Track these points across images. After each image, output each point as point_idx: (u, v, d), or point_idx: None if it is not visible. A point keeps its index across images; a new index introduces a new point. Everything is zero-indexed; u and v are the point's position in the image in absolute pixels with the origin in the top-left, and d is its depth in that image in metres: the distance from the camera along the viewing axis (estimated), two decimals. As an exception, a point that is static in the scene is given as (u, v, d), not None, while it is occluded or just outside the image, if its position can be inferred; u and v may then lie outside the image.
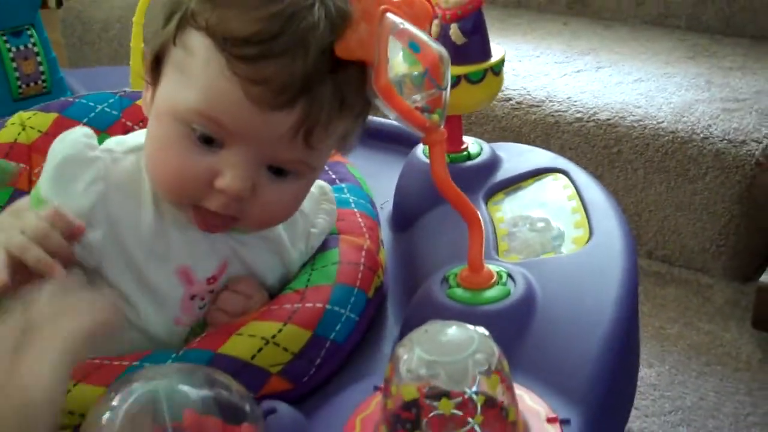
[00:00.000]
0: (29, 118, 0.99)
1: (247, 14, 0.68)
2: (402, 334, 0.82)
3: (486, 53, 0.93)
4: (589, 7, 2.22)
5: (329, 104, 0.70)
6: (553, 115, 1.74)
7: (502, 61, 0.94)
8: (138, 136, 0.80)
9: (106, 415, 0.60)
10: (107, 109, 1.02)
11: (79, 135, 0.77)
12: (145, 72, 0.77)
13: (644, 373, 1.40)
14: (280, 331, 0.74)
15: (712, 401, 1.35)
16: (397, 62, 0.71)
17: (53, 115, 1.00)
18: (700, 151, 1.58)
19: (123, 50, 2.44)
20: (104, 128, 1.01)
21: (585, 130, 1.69)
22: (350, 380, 0.77)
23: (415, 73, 0.70)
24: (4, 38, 1.09)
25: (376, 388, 0.71)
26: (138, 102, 1.04)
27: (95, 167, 0.75)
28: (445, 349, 0.63)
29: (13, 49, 1.09)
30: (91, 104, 1.02)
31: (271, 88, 0.68)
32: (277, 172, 0.73)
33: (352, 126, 0.76)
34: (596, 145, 1.68)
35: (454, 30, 0.90)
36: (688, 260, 1.64)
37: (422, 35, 0.71)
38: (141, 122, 1.02)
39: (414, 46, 0.69)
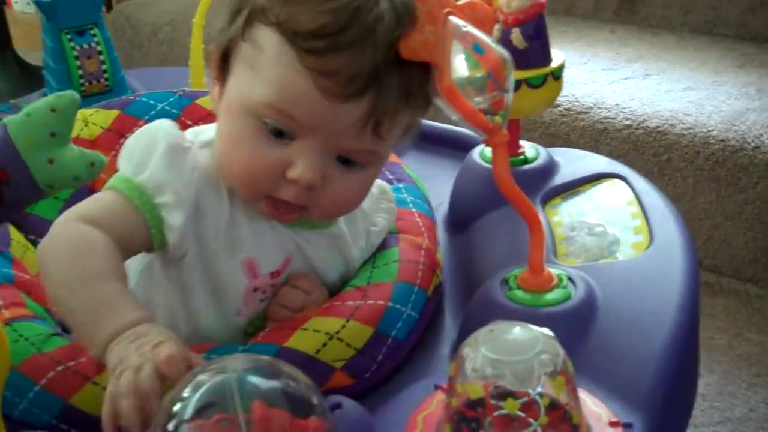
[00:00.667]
0: (91, 114, 1.02)
1: (314, 8, 0.69)
2: (461, 335, 0.83)
3: (546, 58, 0.93)
4: (636, 15, 2.21)
5: (396, 95, 0.71)
6: (601, 122, 1.73)
7: (562, 66, 0.95)
8: (210, 131, 0.81)
9: (178, 406, 0.61)
10: (167, 108, 1.04)
11: (168, 125, 0.78)
12: (213, 69, 0.78)
13: (692, 382, 1.39)
14: (343, 327, 0.75)
15: (762, 412, 1.33)
16: (460, 64, 0.72)
17: (115, 113, 1.02)
18: (751, 161, 1.57)
19: (172, 53, 2.47)
20: None
21: (634, 138, 1.69)
22: (410, 379, 0.77)
23: (478, 75, 0.71)
24: (69, 37, 1.11)
25: (437, 387, 0.72)
26: (197, 101, 1.06)
27: (192, 156, 0.76)
28: (511, 349, 0.63)
29: (77, 47, 1.11)
30: (152, 102, 1.04)
31: (341, 79, 0.69)
32: (346, 162, 0.75)
33: (416, 118, 0.78)
34: (645, 153, 1.68)
35: (515, 34, 0.91)
36: (738, 270, 1.63)
37: (485, 38, 0.71)
38: (200, 121, 1.04)
39: (478, 49, 0.70)
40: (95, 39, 1.12)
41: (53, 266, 0.70)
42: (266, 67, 0.71)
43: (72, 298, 0.69)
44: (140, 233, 0.74)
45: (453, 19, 0.71)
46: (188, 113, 1.05)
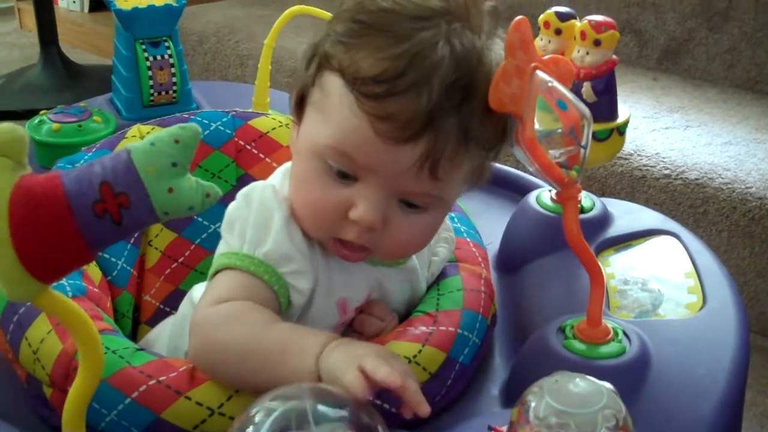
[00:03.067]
0: (148, 132, 1.03)
1: (375, 54, 0.72)
2: (512, 378, 0.85)
3: (614, 113, 0.96)
4: (679, 65, 2.24)
5: (454, 137, 0.73)
6: (640, 169, 1.76)
7: (627, 122, 0.97)
8: (287, 172, 0.84)
9: (250, 429, 0.63)
10: (221, 128, 1.06)
11: (271, 192, 0.81)
12: (292, 112, 0.81)
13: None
14: (420, 351, 0.78)
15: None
16: (540, 118, 0.74)
17: None
18: (787, 221, 1.59)
19: (215, 63, 2.50)
20: (218, 146, 1.06)
21: (672, 188, 1.71)
22: (460, 417, 0.79)
23: (558, 129, 0.73)
24: (143, 47, 1.13)
25: (491, 429, 0.74)
26: (249, 122, 1.08)
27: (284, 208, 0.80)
28: (576, 401, 0.65)
29: (150, 58, 1.14)
30: (206, 122, 1.06)
31: (397, 123, 0.71)
32: (409, 204, 0.77)
33: (483, 160, 0.79)
34: (682, 204, 1.70)
35: (586, 88, 0.93)
36: (765, 328, 1.65)
37: (569, 94, 0.74)
38: (252, 141, 1.06)
39: (561, 105, 0.73)
40: (168, 51, 1.15)
41: (226, 341, 0.74)
42: (331, 112, 0.74)
43: (261, 347, 0.72)
44: (272, 305, 0.78)
45: (539, 73, 0.74)
46: (240, 134, 1.07)
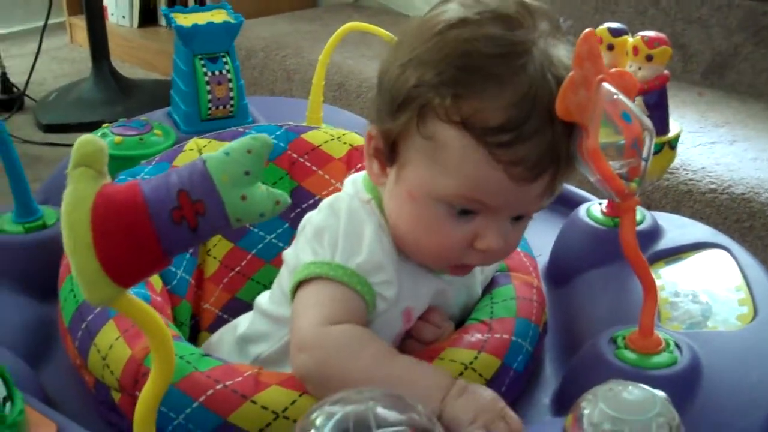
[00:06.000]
0: (205, 146, 1.06)
1: (496, 104, 0.73)
2: (563, 386, 0.86)
3: (665, 127, 0.97)
4: (724, 80, 2.23)
5: (566, 160, 0.77)
6: (686, 184, 1.76)
7: (678, 137, 0.99)
8: (357, 185, 0.87)
9: None
10: (275, 141, 1.08)
11: (358, 202, 0.85)
12: (371, 147, 0.83)
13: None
14: (476, 358, 0.81)
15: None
16: (604, 129, 0.76)
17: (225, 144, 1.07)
18: (835, 236, 1.59)
19: (263, 78, 2.54)
20: (272, 159, 1.08)
21: (718, 202, 1.71)
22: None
23: (621, 142, 0.75)
24: (202, 62, 1.17)
25: (544, 436, 0.76)
26: (302, 135, 1.10)
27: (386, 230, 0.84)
28: (630, 408, 0.67)
29: (209, 73, 1.17)
30: None
31: (528, 165, 0.75)
32: (517, 218, 0.81)
33: None
34: (728, 218, 1.70)
35: (638, 103, 0.94)
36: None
37: (633, 107, 0.75)
38: (305, 154, 1.09)
39: (626, 117, 0.74)
40: (226, 67, 1.18)
41: (347, 366, 0.76)
42: (453, 162, 0.76)
43: (381, 381, 0.75)
44: (364, 313, 0.81)
45: (605, 85, 0.75)
46: (294, 147, 1.09)
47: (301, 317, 0.80)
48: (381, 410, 0.65)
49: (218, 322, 1.03)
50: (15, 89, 2.67)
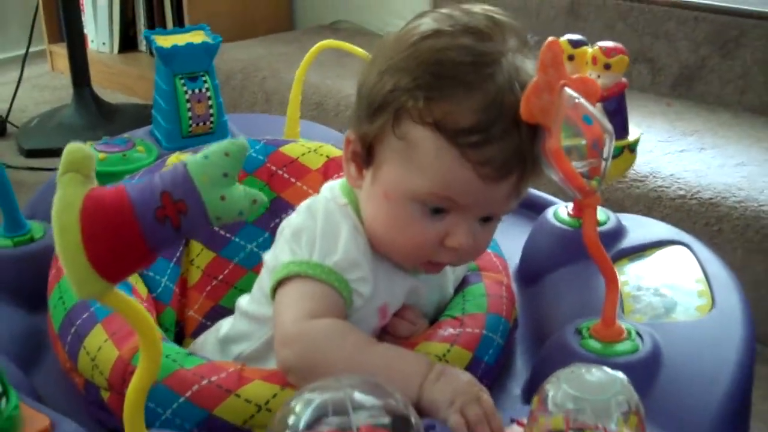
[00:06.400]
0: None
1: (466, 107, 0.79)
2: (533, 377, 0.91)
3: (625, 131, 1.02)
4: (692, 91, 2.30)
5: (533, 164, 0.82)
6: (655, 191, 1.81)
7: (637, 141, 1.04)
8: (334, 191, 0.92)
9: (291, 419, 0.69)
10: (254, 154, 1.13)
11: (335, 204, 0.89)
12: (348, 151, 0.88)
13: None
14: (448, 351, 0.85)
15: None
16: (566, 131, 0.81)
17: None
18: (799, 237, 1.64)
19: (242, 99, 2.59)
20: (251, 171, 1.13)
21: (687, 207, 1.76)
22: (485, 414, 0.85)
23: (582, 142, 0.80)
24: (182, 82, 1.21)
25: (513, 420, 0.80)
26: (280, 149, 1.15)
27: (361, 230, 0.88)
28: (591, 388, 0.71)
29: (189, 92, 1.22)
30: None
31: (496, 165, 0.80)
32: (485, 219, 0.86)
33: None
34: (697, 222, 1.75)
35: (598, 109, 0.99)
36: (781, 342, 1.69)
37: (594, 111, 0.80)
38: (284, 167, 1.13)
39: (587, 119, 0.79)
40: (206, 85, 1.22)
41: (330, 358, 0.80)
42: (426, 162, 0.81)
43: (362, 370, 0.78)
44: (342, 308, 0.86)
45: (567, 90, 0.80)
46: (272, 160, 1.14)
47: (283, 314, 0.84)
48: (358, 395, 0.69)
49: (202, 329, 1.06)
50: (-3, 115, 2.71)
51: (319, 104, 2.40)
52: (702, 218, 1.75)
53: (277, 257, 0.89)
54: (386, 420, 0.68)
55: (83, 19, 2.94)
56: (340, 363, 0.80)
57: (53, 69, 3.35)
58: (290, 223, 0.90)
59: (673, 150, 1.96)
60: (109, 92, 3.06)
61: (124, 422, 0.67)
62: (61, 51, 3.22)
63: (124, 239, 0.60)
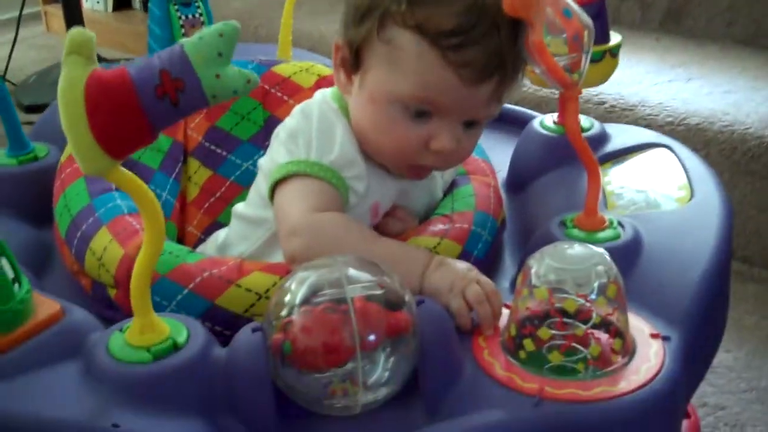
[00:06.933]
0: None
1: (447, 10, 0.82)
2: (520, 269, 0.94)
3: (605, 37, 1.06)
4: (681, 25, 2.32)
5: (513, 67, 0.85)
6: (644, 119, 1.85)
7: (619, 45, 1.07)
8: (325, 96, 0.96)
9: (288, 296, 0.72)
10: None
11: (329, 104, 0.93)
12: (338, 58, 0.91)
13: (722, 357, 1.49)
14: (438, 244, 0.89)
15: (786, 385, 1.44)
16: (548, 25, 0.84)
17: None
18: (785, 156, 1.68)
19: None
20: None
21: (675, 133, 1.79)
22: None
23: (563, 35, 0.83)
24: (176, 7, 1.24)
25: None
26: (273, 68, 1.19)
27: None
28: (572, 260, 0.75)
29: (183, 17, 1.24)
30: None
31: (477, 67, 0.83)
32: (469, 124, 0.89)
33: (518, 78, 0.91)
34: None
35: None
36: (768, 261, 1.73)
37: (574, 5, 0.84)
38: (276, 85, 1.17)
39: (567, 13, 0.82)
40: (199, 11, 1.25)
41: (334, 247, 0.80)
42: (408, 65, 0.84)
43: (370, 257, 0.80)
44: (341, 205, 0.89)
45: None
46: (266, 79, 1.18)
47: (288, 208, 0.88)
48: (353, 272, 0.73)
49: (200, 244, 1.10)
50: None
51: (310, 50, 2.41)
52: (690, 143, 1.76)
53: (273, 159, 0.92)
54: (379, 291, 0.72)
55: (76, -23, 2.95)
56: (348, 247, 0.82)
57: (48, 30, 3.37)
58: (285, 126, 0.93)
59: (661, 81, 1.99)
60: (104, 50, 3.08)
61: (132, 300, 0.71)
62: (55, 12, 3.24)
63: (126, 115, 0.63)
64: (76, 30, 0.64)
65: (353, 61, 0.90)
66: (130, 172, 0.66)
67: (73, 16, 2.70)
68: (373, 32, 0.86)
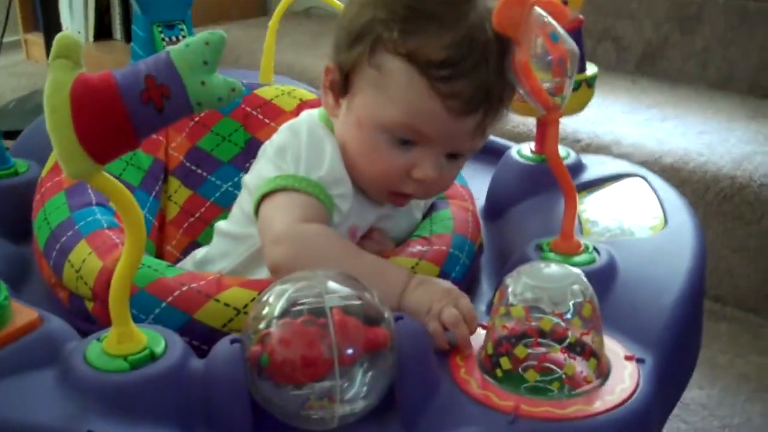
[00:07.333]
0: None
1: (438, 42, 0.84)
2: (497, 290, 0.95)
3: (583, 67, 1.07)
4: (656, 67, 2.36)
5: (498, 102, 0.87)
6: (619, 157, 1.85)
7: (594, 76, 1.09)
8: (312, 116, 0.97)
9: (266, 309, 0.72)
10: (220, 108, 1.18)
11: (318, 122, 0.94)
12: (326, 80, 0.93)
13: (695, 394, 1.50)
14: (417, 264, 0.90)
15: (759, 422, 1.44)
16: (534, 47, 0.85)
17: None
18: (756, 197, 1.70)
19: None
20: (227, 112, 1.18)
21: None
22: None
23: (548, 58, 0.85)
24: (159, 29, 1.25)
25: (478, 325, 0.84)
26: (255, 91, 1.20)
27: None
28: (548, 279, 0.76)
29: (167, 39, 1.26)
30: None
31: (464, 99, 0.85)
32: (451, 155, 0.90)
33: (502, 112, 0.92)
34: (659, 186, 1.81)
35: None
36: (741, 301, 1.75)
37: (561, 30, 0.85)
38: (258, 108, 1.18)
39: (554, 36, 0.84)
40: (182, 33, 1.26)
41: (318, 259, 0.83)
42: (397, 92, 0.86)
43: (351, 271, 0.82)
44: (327, 221, 0.90)
45: (537, 8, 0.85)
46: (247, 101, 1.20)
47: (274, 219, 0.88)
48: (332, 284, 0.73)
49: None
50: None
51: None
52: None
53: (260, 175, 0.93)
54: (357, 302, 0.72)
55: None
56: (330, 265, 0.82)
57: (28, 57, 3.38)
58: (272, 142, 0.94)
59: (636, 120, 2.02)
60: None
61: (110, 308, 0.71)
62: (36, 40, 3.25)
63: (111, 119, 0.64)
64: (63, 34, 0.65)
65: (342, 84, 0.91)
66: (112, 178, 0.67)
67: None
68: (364, 57, 0.87)
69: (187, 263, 1.03)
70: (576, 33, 1.04)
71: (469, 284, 0.97)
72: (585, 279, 0.77)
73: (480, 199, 1.16)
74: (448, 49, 0.83)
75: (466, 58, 0.84)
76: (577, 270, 0.77)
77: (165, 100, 0.64)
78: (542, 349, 0.74)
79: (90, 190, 0.99)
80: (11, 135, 2.57)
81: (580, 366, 0.75)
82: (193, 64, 0.65)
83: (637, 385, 0.75)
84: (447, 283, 0.84)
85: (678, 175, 1.79)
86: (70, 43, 0.64)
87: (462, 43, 0.84)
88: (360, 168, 0.91)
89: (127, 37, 3.15)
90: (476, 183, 1.18)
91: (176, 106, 0.65)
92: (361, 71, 0.88)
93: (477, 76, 0.84)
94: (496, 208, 1.13)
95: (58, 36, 0.64)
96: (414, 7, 0.85)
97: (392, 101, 0.86)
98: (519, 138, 1.92)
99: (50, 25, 2.70)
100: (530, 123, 1.95)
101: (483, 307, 0.95)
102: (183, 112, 0.66)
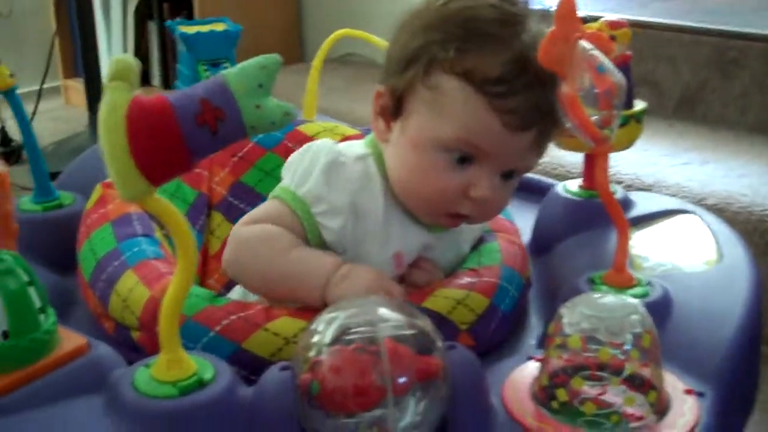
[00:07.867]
0: None
1: (494, 60, 0.84)
2: (551, 321, 0.93)
3: (630, 103, 1.06)
4: (694, 112, 2.35)
5: (553, 119, 0.86)
6: (661, 199, 1.85)
7: (643, 111, 1.08)
8: (358, 146, 0.96)
9: (315, 338, 0.71)
10: (273, 132, 1.18)
11: (330, 145, 0.93)
12: (377, 105, 0.93)
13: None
14: (467, 296, 0.88)
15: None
16: (581, 81, 0.85)
17: None
18: (802, 239, 1.68)
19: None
20: (270, 147, 1.18)
21: (692, 214, 1.80)
22: (504, 355, 0.89)
23: (595, 90, 0.84)
24: (205, 67, 1.26)
25: (530, 358, 0.83)
26: (298, 128, 1.20)
27: (347, 170, 0.91)
28: (605, 308, 0.74)
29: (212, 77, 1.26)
30: None
31: (520, 114, 0.85)
32: (506, 175, 0.89)
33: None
34: (702, 228, 1.78)
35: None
36: (786, 342, 1.71)
37: (608, 62, 0.84)
38: (298, 144, 1.17)
39: (601, 68, 0.83)
40: (227, 71, 1.27)
41: (251, 258, 0.88)
42: (454, 110, 0.86)
43: (277, 272, 0.86)
44: (300, 233, 0.90)
45: (582, 42, 0.84)
46: (290, 137, 1.20)
47: (240, 220, 0.92)
48: (383, 311, 0.72)
49: (222, 297, 1.09)
50: (13, 142, 2.76)
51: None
52: (707, 224, 1.78)
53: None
54: (410, 332, 0.71)
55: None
56: (262, 263, 0.87)
57: (67, 103, 3.43)
58: (289, 157, 0.96)
59: (676, 163, 2.00)
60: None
61: (160, 333, 0.70)
62: (75, 85, 3.30)
63: (166, 141, 0.63)
64: (119, 57, 0.65)
65: (395, 107, 0.91)
66: (166, 200, 0.66)
67: (95, 89, 2.75)
68: (418, 78, 0.88)
69: (233, 294, 1.03)
70: (625, 68, 1.04)
71: (518, 318, 0.95)
72: (643, 309, 0.75)
73: (525, 235, 1.15)
74: (503, 66, 0.84)
75: (521, 76, 0.84)
76: (635, 300, 0.75)
77: (219, 123, 0.64)
78: (601, 382, 0.72)
79: (135, 222, 0.98)
80: (51, 177, 2.61)
81: (639, 399, 0.72)
82: (248, 88, 0.65)
83: (698, 418, 0.72)
84: (375, 272, 0.86)
85: (722, 216, 1.75)
86: (126, 65, 0.64)
87: (516, 61, 0.84)
88: (415, 189, 0.91)
89: (165, 83, 3.19)
90: (520, 220, 1.16)
91: (230, 129, 0.65)
92: (416, 92, 0.88)
93: (531, 93, 0.85)
94: (543, 243, 1.12)
95: (114, 59, 0.64)
96: (468, 27, 0.86)
97: (449, 120, 0.86)
98: (558, 178, 1.91)
99: (90, 72, 2.73)
100: (568, 163, 1.94)
101: (533, 341, 0.94)
102: (237, 135, 0.65)
